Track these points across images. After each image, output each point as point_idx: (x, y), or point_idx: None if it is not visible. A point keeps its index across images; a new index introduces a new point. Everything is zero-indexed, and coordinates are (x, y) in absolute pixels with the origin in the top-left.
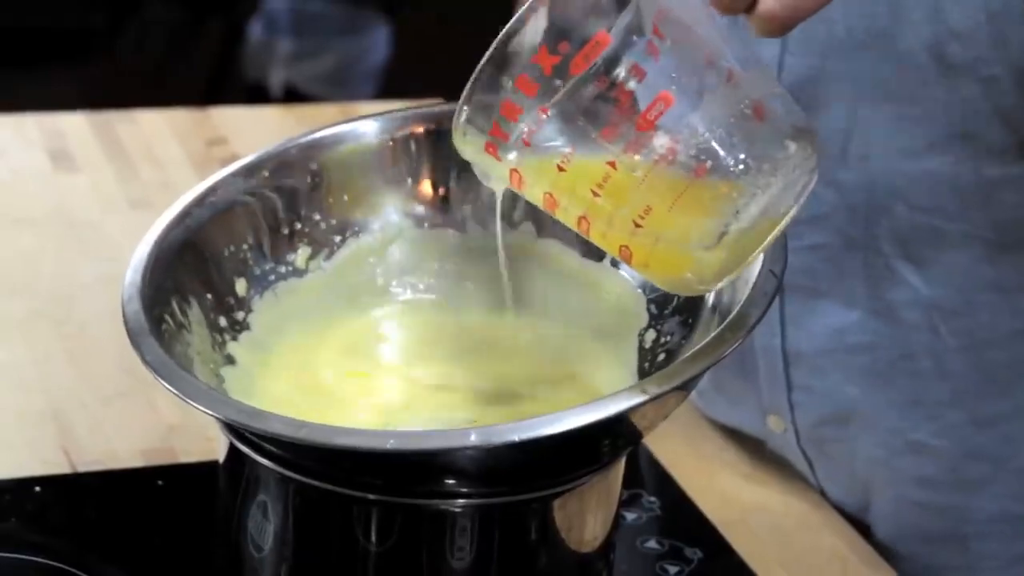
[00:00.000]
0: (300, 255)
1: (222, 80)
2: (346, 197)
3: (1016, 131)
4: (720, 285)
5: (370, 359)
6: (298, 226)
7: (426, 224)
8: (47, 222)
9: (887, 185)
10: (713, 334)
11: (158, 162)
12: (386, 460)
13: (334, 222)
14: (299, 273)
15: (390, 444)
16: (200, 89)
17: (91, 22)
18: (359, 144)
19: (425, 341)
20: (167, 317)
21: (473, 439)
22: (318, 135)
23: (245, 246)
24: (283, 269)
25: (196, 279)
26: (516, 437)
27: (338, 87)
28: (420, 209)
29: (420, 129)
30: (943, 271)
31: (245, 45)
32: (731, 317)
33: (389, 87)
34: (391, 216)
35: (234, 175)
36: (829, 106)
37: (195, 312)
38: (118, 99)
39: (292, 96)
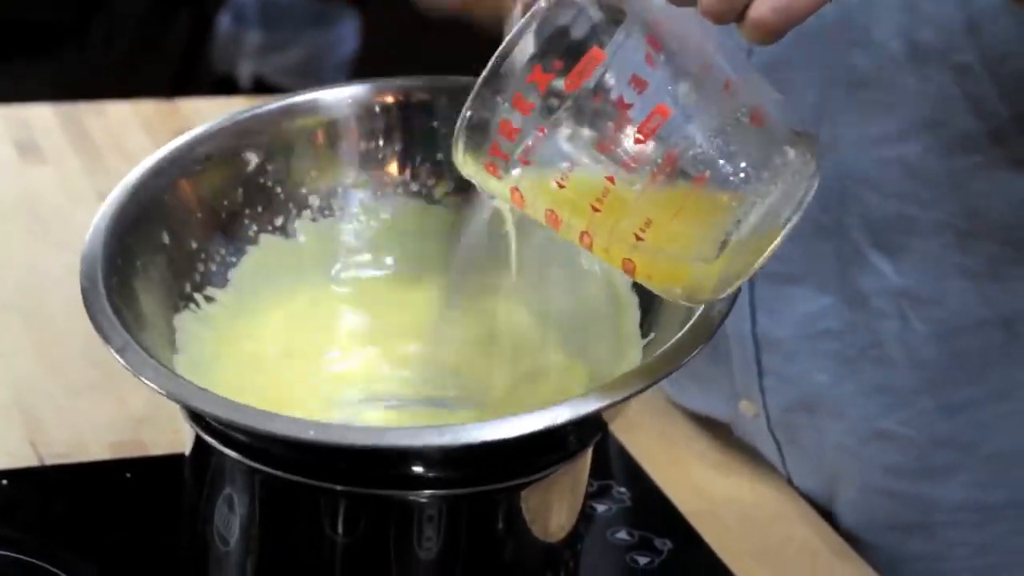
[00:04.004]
0: (260, 228)
1: (190, 72)
2: (311, 170)
3: (987, 119)
4: (723, 295)
5: (326, 337)
6: (260, 198)
7: (391, 197)
8: (14, 214)
9: (857, 172)
10: (684, 329)
11: (126, 153)
12: (341, 451)
13: (296, 194)
14: (260, 247)
15: (310, 434)
16: (168, 81)
17: (60, 14)
18: (322, 114)
19: (385, 318)
20: (125, 292)
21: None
22: (278, 105)
23: (203, 219)
24: (243, 243)
25: (153, 253)
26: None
27: (307, 79)
28: (387, 181)
29: (389, 99)
30: (913, 258)
31: (213, 37)
32: (699, 312)
33: (358, 79)
34: (354, 189)
35: (189, 145)
36: (799, 93)
37: (152, 285)
38: (86, 91)
39: (261, 88)
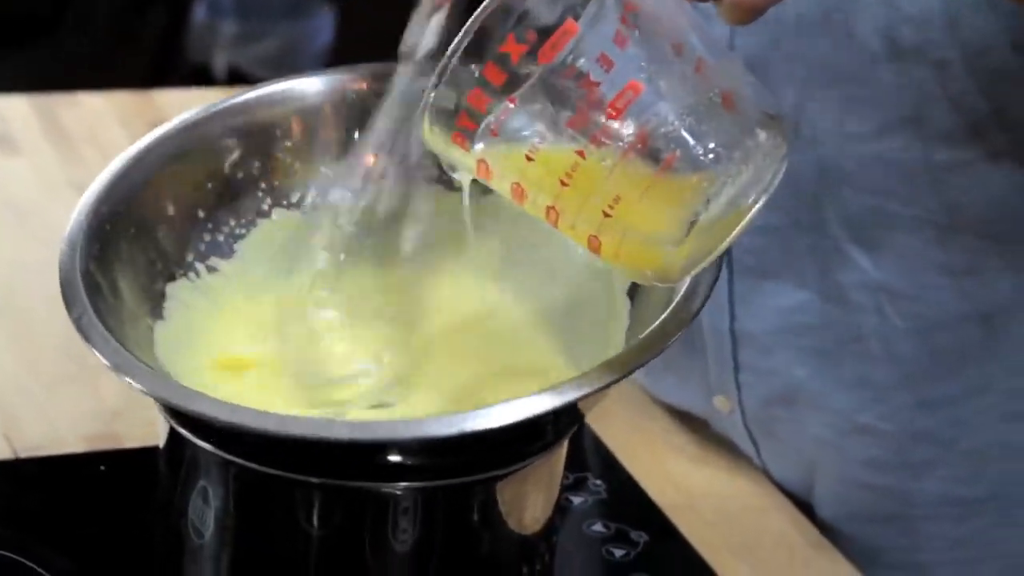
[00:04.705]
0: (275, 203)
1: (166, 63)
2: (286, 158)
3: (966, 115)
4: (689, 276)
5: (302, 327)
6: (236, 188)
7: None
8: None
9: (837, 168)
10: (659, 320)
11: (101, 145)
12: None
13: (276, 184)
14: (236, 236)
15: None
16: (144, 72)
17: (35, 6)
18: (298, 104)
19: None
20: (102, 286)
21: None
22: (255, 94)
23: (180, 210)
24: (255, 216)
25: (130, 246)
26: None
27: (282, 70)
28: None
29: (364, 86)
30: (892, 254)
31: (189, 27)
32: (676, 300)
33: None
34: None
35: (167, 137)
36: (779, 88)
37: (129, 279)
38: (61, 82)
39: (236, 79)
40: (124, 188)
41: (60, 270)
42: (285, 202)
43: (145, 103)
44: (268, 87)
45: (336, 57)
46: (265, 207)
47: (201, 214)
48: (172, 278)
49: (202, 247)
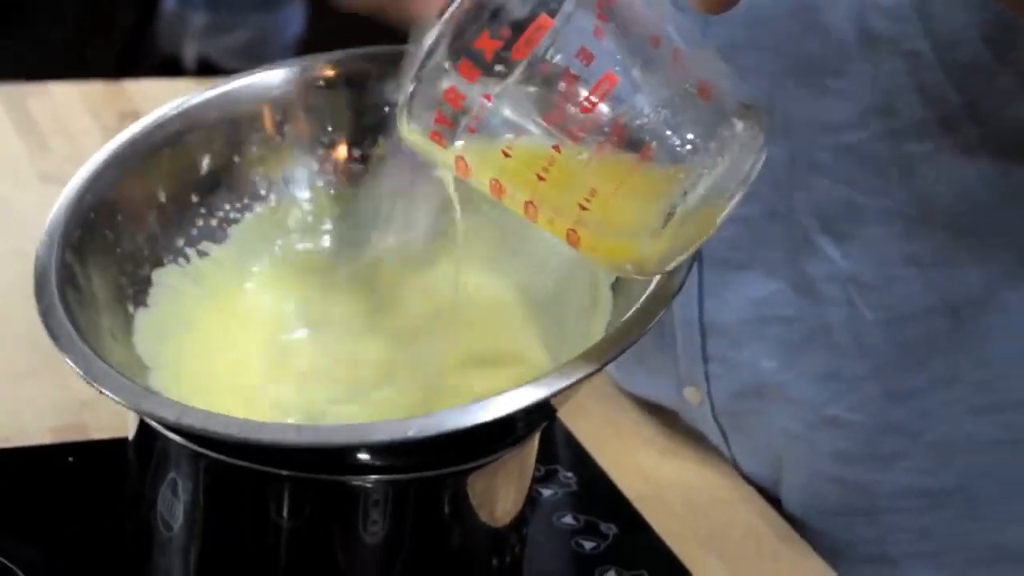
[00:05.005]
0: (271, 187)
1: (136, 53)
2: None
3: (937, 107)
4: (667, 269)
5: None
6: (231, 173)
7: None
8: None
9: (808, 158)
10: (632, 310)
11: (70, 135)
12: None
13: (230, 191)
14: (231, 220)
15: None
16: (113, 62)
17: None
18: (267, 96)
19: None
20: (76, 286)
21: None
22: (252, 78)
23: (172, 195)
24: (213, 219)
25: (116, 233)
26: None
27: (253, 61)
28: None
29: (331, 73)
30: (862, 245)
31: (159, 18)
32: (648, 292)
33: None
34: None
35: (160, 123)
36: (751, 78)
37: (103, 280)
38: (30, 72)
39: (206, 70)
40: (112, 175)
41: (36, 259)
42: (281, 186)
43: (116, 93)
44: (269, 69)
45: (307, 48)
46: (262, 191)
47: (195, 199)
48: (160, 264)
49: (194, 232)
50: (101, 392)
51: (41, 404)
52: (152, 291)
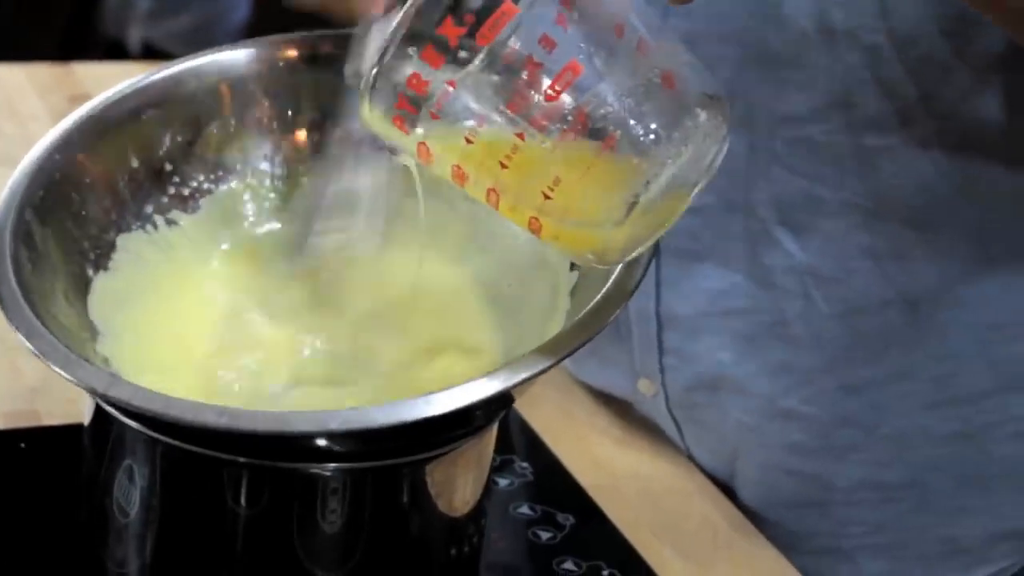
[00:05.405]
0: (165, 198)
1: (80, 37)
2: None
3: (895, 101)
4: (629, 259)
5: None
6: (166, 167)
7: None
8: None
9: (767, 149)
10: (592, 303)
11: (19, 117)
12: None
13: (204, 162)
14: (203, 192)
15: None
16: (57, 45)
17: None
18: (226, 76)
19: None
20: (31, 245)
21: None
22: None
23: (144, 162)
24: (185, 188)
25: (82, 195)
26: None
27: (197, 46)
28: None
29: (293, 53)
30: (819, 238)
31: (103, 1)
32: (608, 284)
33: None
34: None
35: (139, 88)
36: (713, 69)
37: (62, 241)
38: None
39: (151, 54)
40: (84, 138)
41: None
42: (251, 163)
43: (64, 76)
44: (244, 45)
45: (252, 33)
46: (238, 166)
47: (168, 167)
48: (127, 229)
49: (164, 200)
50: (33, 353)
51: None
52: (115, 256)
